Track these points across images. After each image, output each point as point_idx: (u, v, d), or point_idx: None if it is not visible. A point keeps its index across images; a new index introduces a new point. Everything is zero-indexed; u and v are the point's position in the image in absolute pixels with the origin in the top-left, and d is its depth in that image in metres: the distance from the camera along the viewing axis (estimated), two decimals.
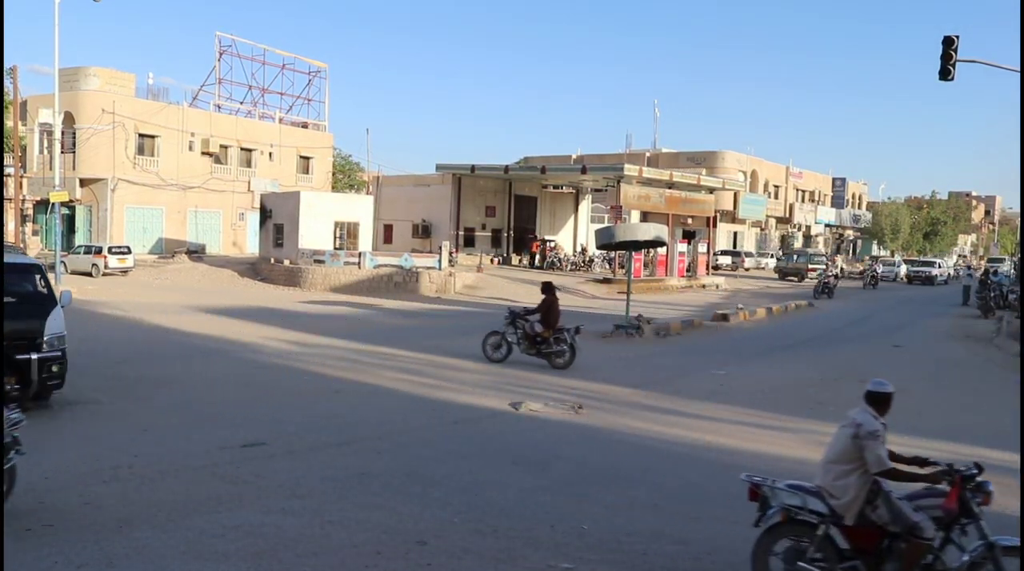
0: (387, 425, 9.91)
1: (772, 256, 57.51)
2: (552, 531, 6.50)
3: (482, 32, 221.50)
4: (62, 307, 10.07)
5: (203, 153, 43.03)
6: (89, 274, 31.24)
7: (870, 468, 5.13)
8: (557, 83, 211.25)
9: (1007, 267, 50.79)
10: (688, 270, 37.65)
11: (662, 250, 33.17)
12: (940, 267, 51.77)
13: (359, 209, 37.79)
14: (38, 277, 10.28)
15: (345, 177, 61.87)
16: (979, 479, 5.12)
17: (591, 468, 8.41)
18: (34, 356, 9.34)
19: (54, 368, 9.58)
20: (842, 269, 54.29)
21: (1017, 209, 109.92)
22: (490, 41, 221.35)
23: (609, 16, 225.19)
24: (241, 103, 46.72)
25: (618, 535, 6.44)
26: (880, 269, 44.54)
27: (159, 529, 6.12)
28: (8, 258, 9.86)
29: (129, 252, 32.83)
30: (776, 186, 67.60)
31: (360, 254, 32.41)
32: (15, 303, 9.50)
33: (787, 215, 68.94)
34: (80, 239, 38.63)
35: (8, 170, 32.98)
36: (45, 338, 9.50)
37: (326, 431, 9.43)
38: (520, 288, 31.20)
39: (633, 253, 24.33)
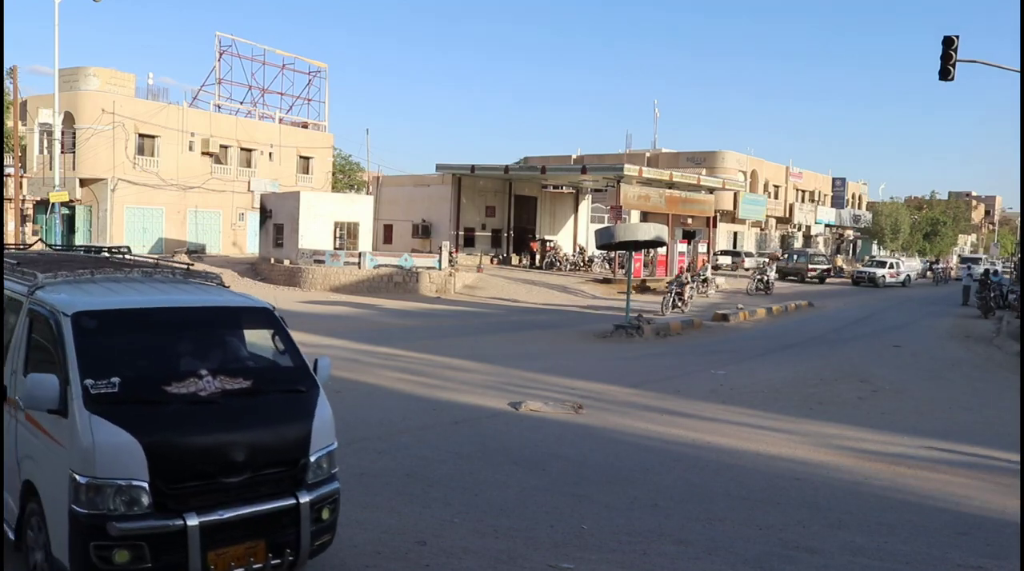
0: (387, 425, 9.91)
1: (773, 257, 57.39)
2: (552, 531, 6.50)
3: (482, 32, 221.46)
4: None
5: (203, 153, 43.00)
6: None
7: None
8: (557, 83, 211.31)
9: (984, 267, 45.63)
10: (688, 270, 37.63)
11: (662, 250, 33.15)
12: (894, 267, 46.30)
13: (359, 209, 37.77)
14: (275, 335, 5.71)
15: (345, 177, 61.85)
16: None
17: (591, 468, 8.41)
18: (304, 498, 4.95)
19: (324, 514, 5.15)
20: (841, 268, 54.09)
21: (1017, 209, 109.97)
22: (490, 41, 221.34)
23: (609, 17, 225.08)
24: (241, 103, 46.70)
25: (618, 535, 6.44)
26: (772, 274, 36.00)
27: None
28: (208, 297, 5.75)
29: (129, 252, 32.79)
30: (776, 186, 67.57)
31: (360, 254, 32.40)
32: (245, 393, 5.03)
33: (787, 215, 68.89)
34: (80, 239, 38.61)
35: (8, 170, 32.98)
36: (312, 458, 5.09)
37: None
38: (520, 288, 31.22)
39: (633, 253, 24.34)
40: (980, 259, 58.34)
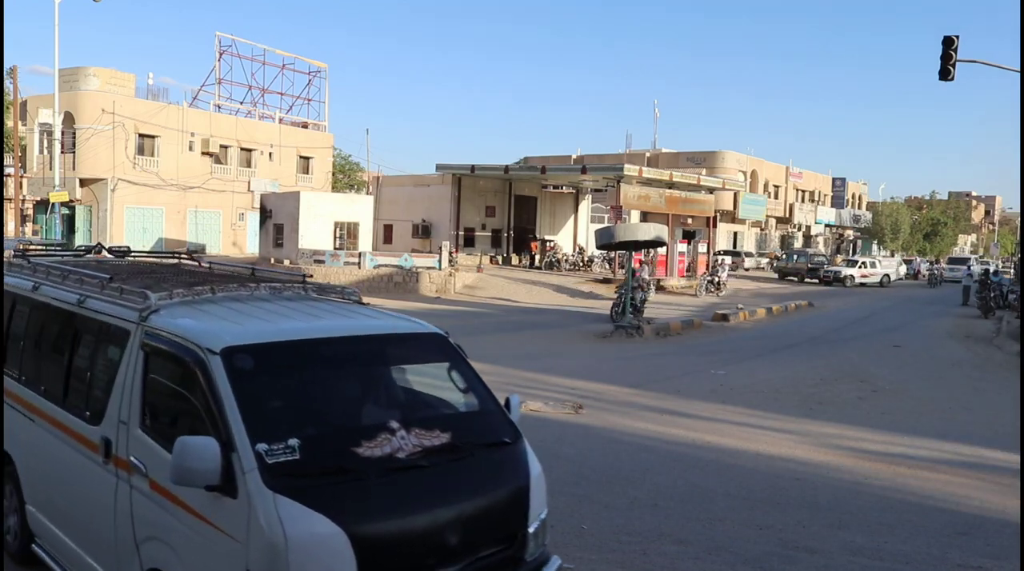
0: None
1: (772, 257, 57.28)
2: (552, 531, 6.49)
3: (482, 32, 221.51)
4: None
5: (203, 153, 43.01)
6: None
7: None
8: (557, 83, 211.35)
9: (977, 268, 43.29)
10: (688, 270, 37.58)
11: (662, 250, 33.12)
12: (867, 267, 44.45)
13: (359, 209, 37.83)
14: (451, 369, 4.56)
15: (345, 177, 61.88)
16: None
17: (591, 468, 8.40)
18: None
19: None
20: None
21: (1017, 209, 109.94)
22: (490, 41, 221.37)
23: (609, 18, 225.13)
24: (241, 103, 46.70)
25: (618, 535, 6.44)
26: (724, 275, 34.15)
27: None
28: (368, 322, 4.57)
29: (129, 252, 32.80)
30: (776, 186, 67.57)
31: (360, 254, 32.44)
32: (447, 450, 3.97)
33: (787, 215, 68.91)
34: (80, 239, 38.57)
35: (8, 170, 32.98)
36: (531, 529, 4.11)
37: None
38: (520, 288, 31.22)
39: (633, 253, 24.33)
40: (970, 259, 55.65)
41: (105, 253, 7.32)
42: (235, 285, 4.85)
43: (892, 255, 66.72)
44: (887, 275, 45.21)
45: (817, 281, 44.01)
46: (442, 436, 3.95)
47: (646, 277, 24.45)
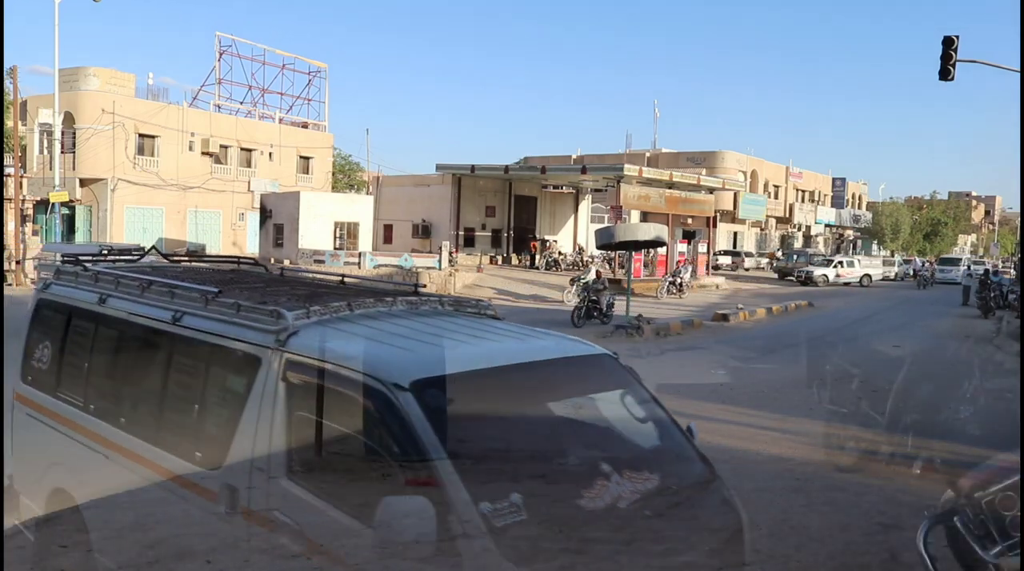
0: None
1: (772, 257, 57.23)
2: None
3: (482, 32, 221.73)
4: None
5: (203, 153, 43.01)
6: None
7: None
8: (557, 83, 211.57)
9: (963, 269, 42.42)
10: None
11: (662, 250, 33.12)
12: (844, 266, 43.94)
13: (359, 209, 37.86)
14: (624, 395, 4.02)
15: (345, 177, 61.90)
16: None
17: None
18: None
19: None
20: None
21: (1017, 209, 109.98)
22: (490, 41, 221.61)
23: (609, 17, 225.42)
24: (241, 103, 46.71)
25: None
26: (687, 276, 33.33)
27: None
28: (533, 344, 4.07)
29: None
30: (776, 186, 67.58)
31: (360, 254, 32.47)
32: (661, 495, 3.60)
33: (787, 215, 68.92)
34: (80, 240, 38.61)
35: (8, 170, 32.97)
36: None
37: None
38: (520, 288, 31.24)
39: (633, 253, 24.30)
40: (961, 260, 54.42)
41: (162, 257, 6.56)
42: (371, 300, 4.16)
43: (892, 255, 66.60)
44: (868, 275, 44.49)
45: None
46: (651, 478, 3.44)
47: (604, 281, 22.73)
